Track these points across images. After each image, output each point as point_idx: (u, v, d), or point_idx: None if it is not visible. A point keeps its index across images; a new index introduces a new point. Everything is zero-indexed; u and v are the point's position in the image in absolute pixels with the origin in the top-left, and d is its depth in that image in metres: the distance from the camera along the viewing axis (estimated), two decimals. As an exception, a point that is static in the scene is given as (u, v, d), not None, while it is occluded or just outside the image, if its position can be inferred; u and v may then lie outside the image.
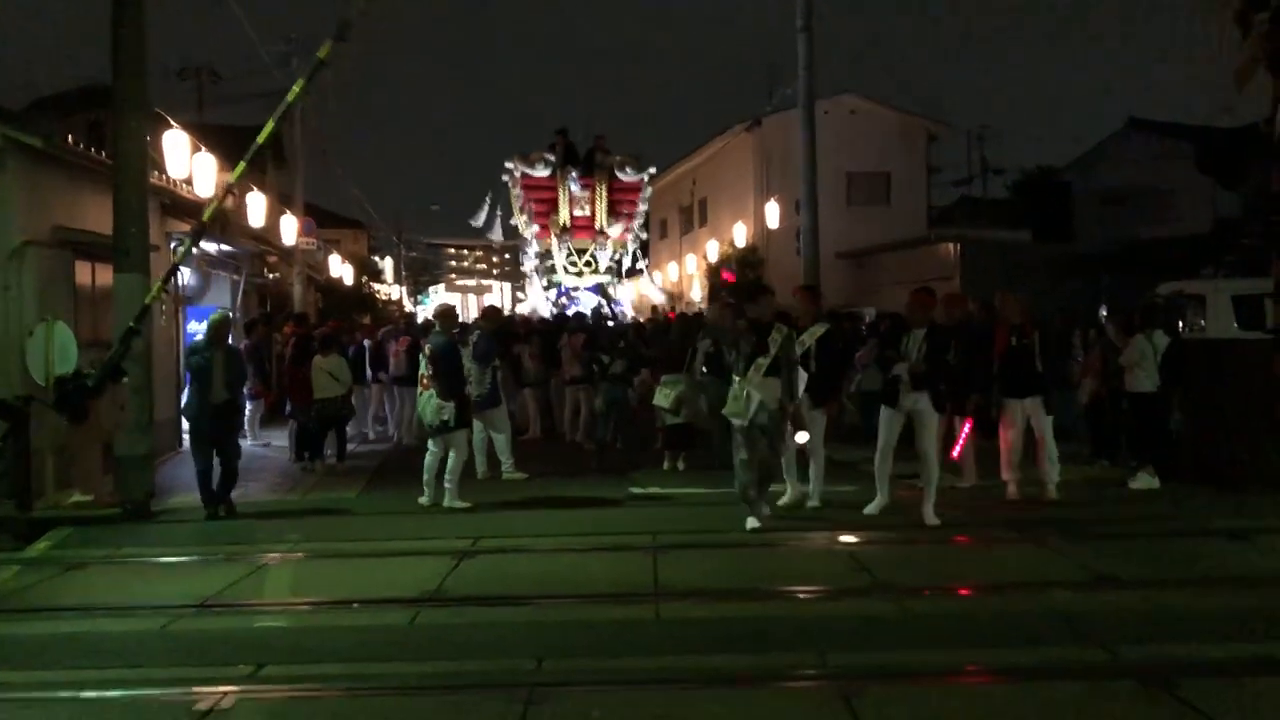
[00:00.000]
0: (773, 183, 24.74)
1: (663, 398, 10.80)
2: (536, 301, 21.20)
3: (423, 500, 9.27)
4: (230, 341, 9.76)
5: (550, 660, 4.91)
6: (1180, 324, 13.70)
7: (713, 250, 26.68)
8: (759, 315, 8.02)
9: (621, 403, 11.31)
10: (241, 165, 9.88)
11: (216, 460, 9.09)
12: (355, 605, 6.09)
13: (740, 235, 25.33)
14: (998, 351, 8.89)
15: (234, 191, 11.79)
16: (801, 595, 6.11)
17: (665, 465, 10.97)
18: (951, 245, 21.31)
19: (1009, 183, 35.54)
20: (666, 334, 13.08)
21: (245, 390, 13.73)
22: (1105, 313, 13.72)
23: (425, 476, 9.29)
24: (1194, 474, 9.62)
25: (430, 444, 9.36)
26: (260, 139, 9.77)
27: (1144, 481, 9.35)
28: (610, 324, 15.42)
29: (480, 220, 21.81)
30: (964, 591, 6.08)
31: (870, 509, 8.17)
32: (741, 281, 25.39)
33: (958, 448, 9.43)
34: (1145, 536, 7.52)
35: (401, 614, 5.81)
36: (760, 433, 7.70)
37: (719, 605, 5.91)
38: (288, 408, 12.47)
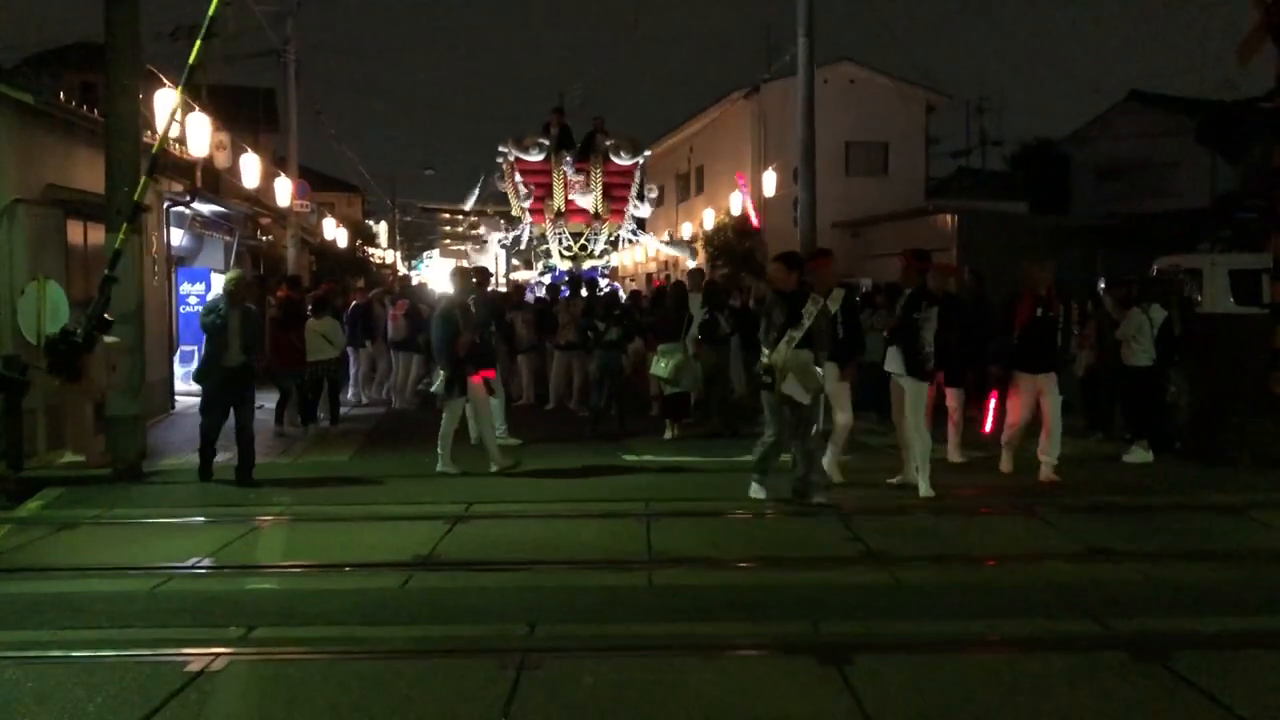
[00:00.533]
0: (770, 151, 24.60)
1: (660, 367, 10.78)
2: (530, 278, 21.18)
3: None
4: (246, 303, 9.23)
5: (543, 626, 4.90)
6: (1185, 298, 13.66)
7: (709, 218, 26.56)
8: (825, 282, 7.84)
9: (616, 370, 11.27)
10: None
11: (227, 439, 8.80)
12: (347, 568, 6.07)
13: (736, 203, 25.20)
14: (1019, 323, 8.57)
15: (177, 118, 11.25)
16: (794, 564, 6.10)
17: (666, 434, 10.94)
18: (949, 216, 21.20)
19: (1007, 154, 35.45)
20: (661, 302, 13.02)
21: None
22: (1103, 286, 13.65)
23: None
24: (1189, 448, 9.65)
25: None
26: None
27: (1138, 455, 9.36)
28: (604, 291, 15.34)
29: (470, 204, 21.54)
30: (957, 563, 6.08)
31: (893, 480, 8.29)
32: (739, 250, 25.36)
33: (989, 421, 9.34)
34: (1138, 510, 7.53)
35: (394, 578, 5.80)
36: (791, 407, 7.43)
37: (712, 573, 5.91)
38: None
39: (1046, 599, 5.27)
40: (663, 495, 7.93)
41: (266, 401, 13.53)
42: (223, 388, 8.72)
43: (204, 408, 8.98)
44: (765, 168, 23.60)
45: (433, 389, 9.24)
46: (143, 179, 9.24)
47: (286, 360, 11.78)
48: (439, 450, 9.12)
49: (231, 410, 8.77)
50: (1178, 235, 17.58)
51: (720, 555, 6.26)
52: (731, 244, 25.29)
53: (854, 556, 6.24)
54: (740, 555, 6.26)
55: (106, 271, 9.08)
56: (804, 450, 7.54)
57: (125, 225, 9.35)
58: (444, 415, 9.17)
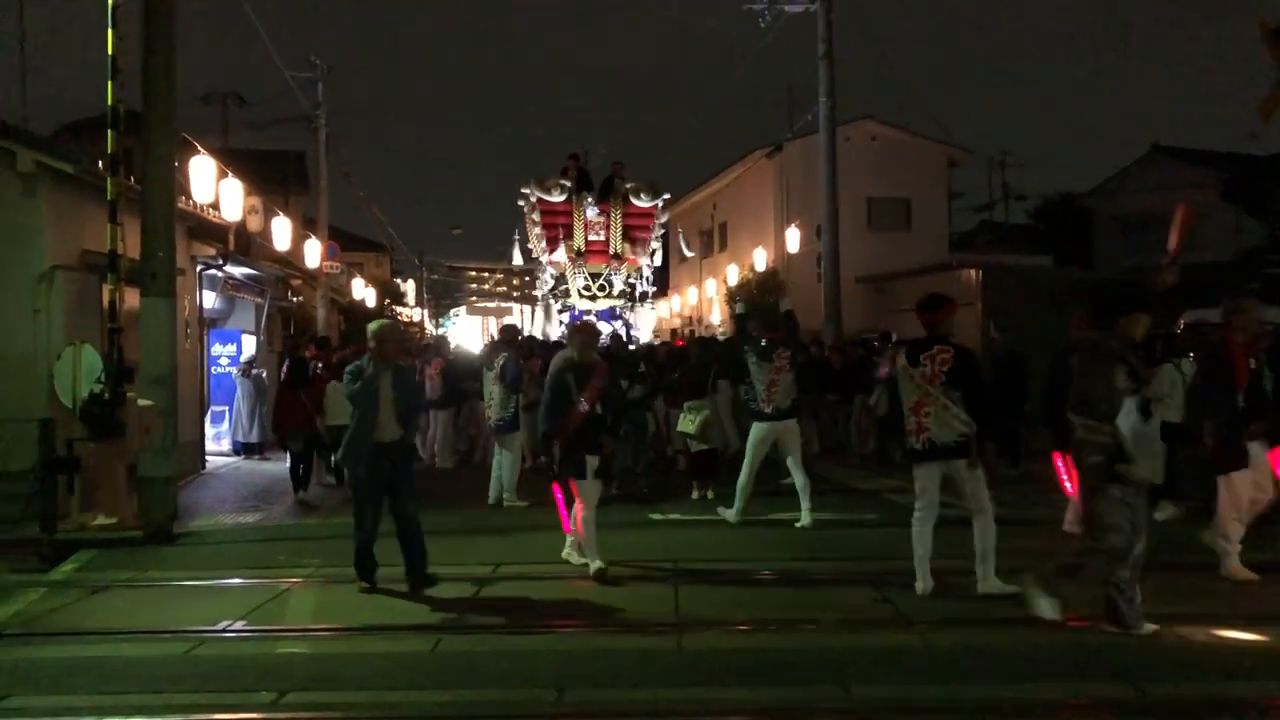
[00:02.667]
0: (793, 207, 24.79)
1: (688, 423, 10.76)
2: (549, 324, 21.32)
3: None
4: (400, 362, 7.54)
5: (572, 690, 4.89)
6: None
7: (733, 274, 26.72)
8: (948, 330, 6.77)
9: (641, 428, 11.29)
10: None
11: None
12: (377, 632, 6.09)
13: (760, 259, 25.37)
14: (1240, 381, 7.21)
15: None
16: (824, 626, 6.06)
17: (694, 495, 10.91)
18: (973, 271, 21.23)
19: (1030, 208, 35.54)
20: (682, 359, 13.06)
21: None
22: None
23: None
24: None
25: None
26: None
27: (1168, 512, 9.25)
28: (631, 348, 15.41)
29: (520, 262, 21.72)
30: (988, 625, 6.02)
31: None
32: (761, 304, 25.44)
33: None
34: (1170, 569, 7.41)
35: (423, 641, 5.81)
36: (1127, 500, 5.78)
37: (741, 636, 5.88)
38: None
39: (1080, 662, 5.21)
40: (691, 555, 7.91)
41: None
42: (373, 471, 6.99)
43: (356, 501, 7.23)
44: (788, 224, 23.77)
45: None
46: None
47: (291, 421, 11.49)
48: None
49: (387, 498, 7.08)
50: (1205, 288, 17.50)
51: (749, 617, 6.23)
52: (754, 299, 25.41)
53: (884, 619, 6.19)
54: (770, 616, 6.23)
55: (109, 324, 9.30)
56: (1133, 558, 5.77)
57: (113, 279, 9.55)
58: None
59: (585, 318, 19.47)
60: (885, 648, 5.60)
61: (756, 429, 9.28)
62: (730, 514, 9.24)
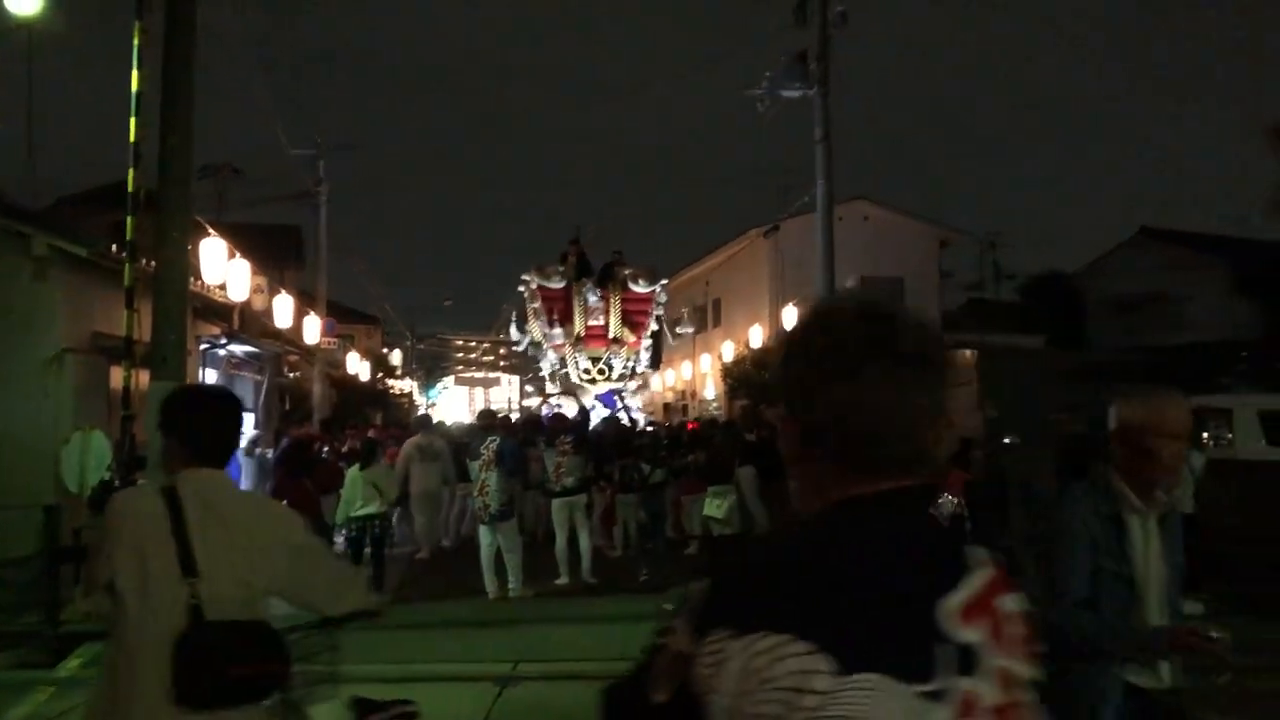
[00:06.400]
0: (788, 286, 24.99)
1: (714, 508, 10.70)
2: (557, 401, 21.33)
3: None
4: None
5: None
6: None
7: (728, 350, 26.83)
8: None
9: (662, 514, 11.18)
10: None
11: None
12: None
13: (756, 337, 25.50)
14: None
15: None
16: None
17: None
18: (969, 352, 21.36)
19: (1019, 287, 35.94)
20: (698, 442, 13.01)
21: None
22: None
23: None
24: (1237, 599, 9.47)
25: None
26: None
27: (1189, 607, 9.18)
28: (635, 428, 15.35)
29: (518, 338, 21.76)
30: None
31: None
32: (758, 382, 25.48)
33: None
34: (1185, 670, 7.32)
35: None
36: None
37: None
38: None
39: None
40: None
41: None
42: None
43: None
44: (784, 302, 23.93)
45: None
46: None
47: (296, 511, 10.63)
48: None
49: None
50: (1198, 370, 17.64)
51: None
52: (750, 376, 25.47)
53: None
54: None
55: (123, 411, 9.18)
56: None
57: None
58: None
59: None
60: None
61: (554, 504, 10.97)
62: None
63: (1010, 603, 1.29)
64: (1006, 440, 14.40)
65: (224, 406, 2.91)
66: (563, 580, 10.64)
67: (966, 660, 1.20)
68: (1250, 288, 23.51)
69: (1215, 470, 10.20)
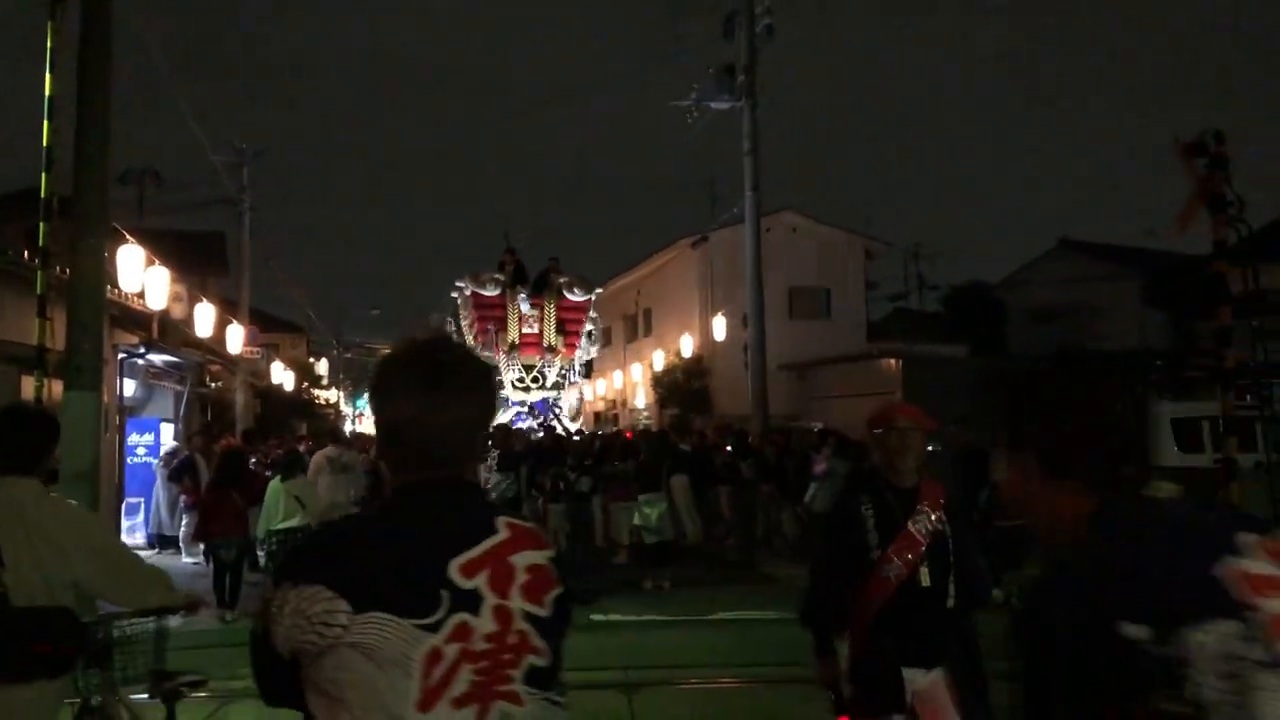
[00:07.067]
0: (718, 295, 25.18)
1: (644, 516, 10.74)
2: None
3: None
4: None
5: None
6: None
7: (659, 359, 26.94)
8: None
9: (587, 523, 11.20)
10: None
11: None
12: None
13: (686, 346, 25.64)
14: None
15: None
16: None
17: (648, 585, 10.80)
18: (893, 360, 21.74)
19: (942, 297, 36.69)
20: (630, 452, 13.02)
21: (182, 502, 13.21)
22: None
23: None
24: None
25: None
26: None
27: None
28: (568, 436, 15.33)
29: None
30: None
31: None
32: (689, 391, 25.65)
33: None
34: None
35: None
36: None
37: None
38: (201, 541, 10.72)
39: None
40: (643, 661, 7.74)
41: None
42: None
43: None
44: (714, 312, 24.11)
45: None
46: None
47: (221, 525, 10.12)
48: None
49: None
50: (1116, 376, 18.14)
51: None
52: (680, 385, 25.61)
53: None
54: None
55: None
56: None
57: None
58: None
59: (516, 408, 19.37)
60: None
61: None
62: None
63: (529, 557, 1.69)
64: (931, 448, 14.61)
65: (34, 423, 3.38)
66: None
67: (469, 601, 1.60)
68: (1161, 298, 24.29)
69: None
